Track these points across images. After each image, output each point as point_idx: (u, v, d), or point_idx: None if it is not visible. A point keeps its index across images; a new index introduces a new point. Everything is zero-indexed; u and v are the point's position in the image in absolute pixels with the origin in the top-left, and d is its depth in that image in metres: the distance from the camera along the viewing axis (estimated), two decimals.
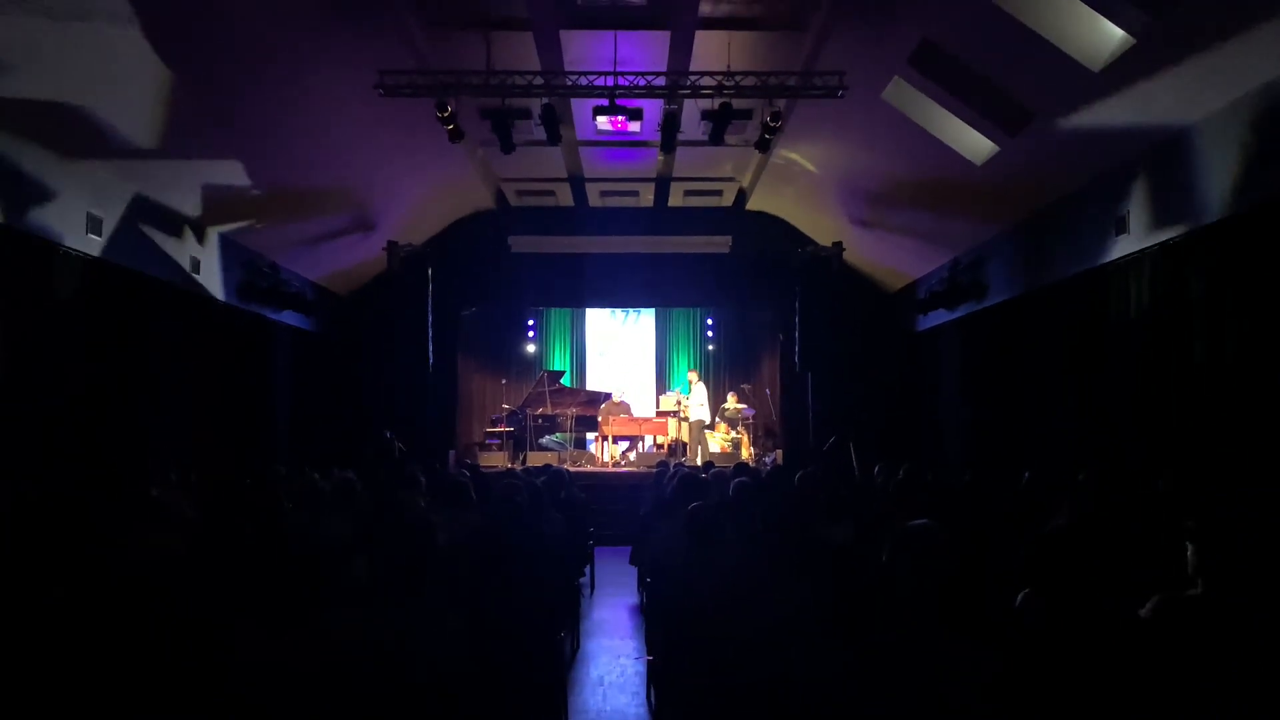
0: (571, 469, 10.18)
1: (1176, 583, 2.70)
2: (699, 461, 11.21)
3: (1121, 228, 6.47)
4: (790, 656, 2.43)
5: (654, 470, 9.31)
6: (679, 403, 12.33)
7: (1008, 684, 2.07)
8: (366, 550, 2.89)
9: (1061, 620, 2.27)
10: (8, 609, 2.66)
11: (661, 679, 3.59)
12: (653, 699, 4.30)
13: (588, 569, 6.90)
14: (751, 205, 11.76)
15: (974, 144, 7.32)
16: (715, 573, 2.91)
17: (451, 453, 11.67)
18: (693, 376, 12.96)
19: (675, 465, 9.03)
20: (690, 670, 2.66)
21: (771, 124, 7.54)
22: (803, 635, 2.48)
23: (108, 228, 6.81)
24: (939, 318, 10.21)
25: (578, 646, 5.51)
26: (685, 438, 12.41)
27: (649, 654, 4.60)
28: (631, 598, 7.18)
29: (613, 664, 5.23)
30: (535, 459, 11.51)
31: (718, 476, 6.22)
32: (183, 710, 2.16)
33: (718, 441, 12.46)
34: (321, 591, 2.79)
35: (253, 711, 2.07)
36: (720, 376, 14.92)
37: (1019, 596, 2.48)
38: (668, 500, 5.48)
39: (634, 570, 7.37)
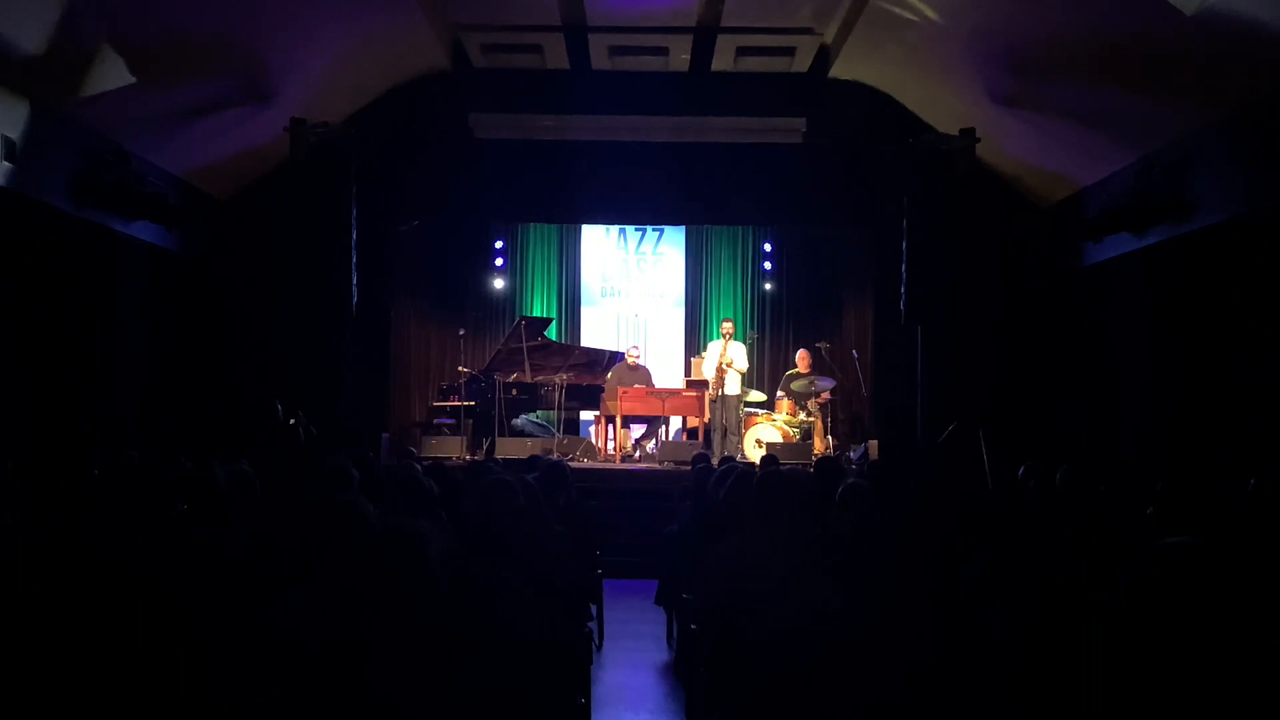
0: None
1: None
2: (739, 457, 11.23)
3: None
4: None
5: (689, 467, 9.33)
6: (724, 366, 12.26)
7: None
8: (308, 577, 2.91)
9: None
10: None
11: None
12: None
13: (594, 610, 6.96)
14: (837, 72, 11.64)
15: None
16: (828, 614, 2.94)
17: (385, 437, 11.73)
18: (727, 329, 12.85)
19: (726, 458, 9.05)
20: None
21: None
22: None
23: None
24: (1118, 246, 10.14)
25: None
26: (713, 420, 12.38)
27: None
28: (657, 653, 7.29)
29: None
30: (507, 448, 11.56)
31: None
32: None
33: (777, 427, 12.50)
34: (232, 640, 2.81)
35: None
36: (782, 331, 14.93)
37: None
38: (724, 508, 5.51)
39: (659, 613, 7.52)
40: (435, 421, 12.97)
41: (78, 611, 3.09)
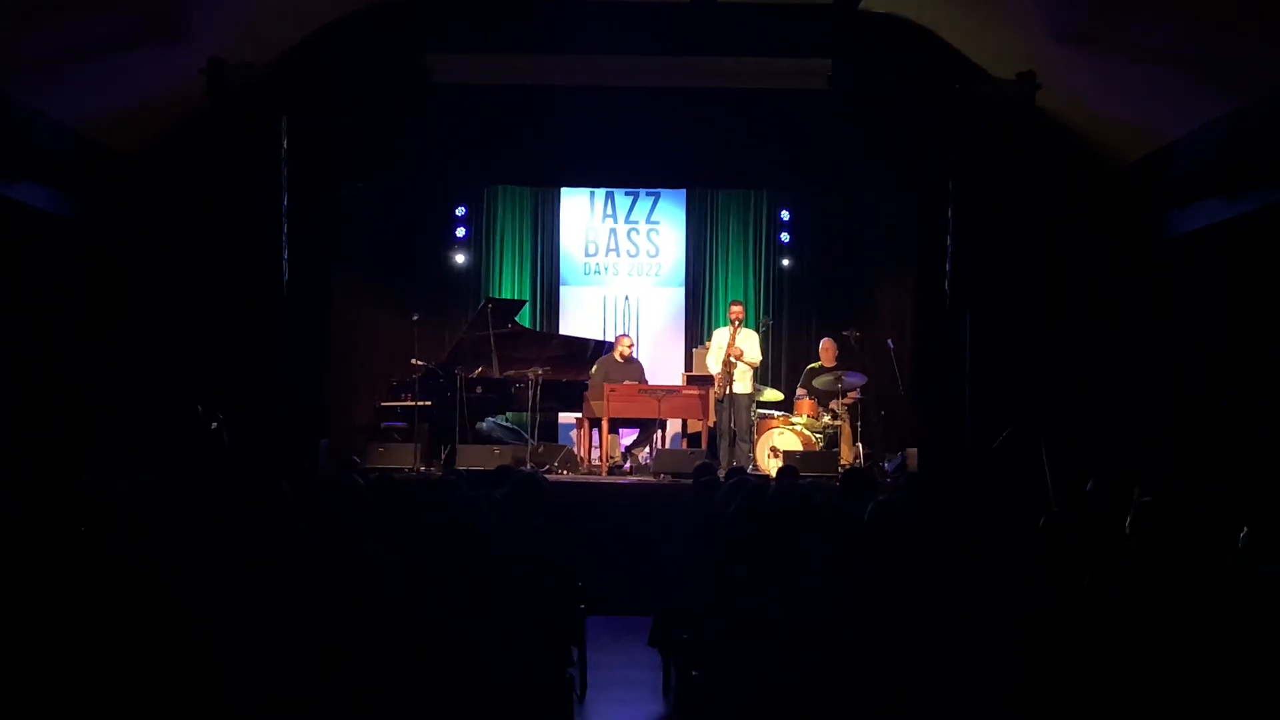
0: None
1: None
2: (750, 469, 11.22)
3: None
4: None
5: (690, 481, 9.33)
6: (732, 358, 12.23)
7: None
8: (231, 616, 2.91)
9: None
10: None
11: None
12: None
13: (576, 653, 6.97)
14: (871, 4, 11.64)
15: None
16: (859, 660, 2.95)
17: (323, 443, 11.76)
18: (736, 313, 12.82)
19: (735, 470, 9.01)
20: None
21: None
22: None
23: None
24: (1210, 214, 10.16)
25: None
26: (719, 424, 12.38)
27: None
28: (651, 704, 7.34)
29: None
30: (471, 457, 11.56)
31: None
32: None
33: (796, 432, 12.49)
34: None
35: None
36: (802, 317, 14.93)
37: None
38: (732, 530, 5.52)
39: (653, 656, 7.54)
40: (384, 425, 12.92)
41: None
